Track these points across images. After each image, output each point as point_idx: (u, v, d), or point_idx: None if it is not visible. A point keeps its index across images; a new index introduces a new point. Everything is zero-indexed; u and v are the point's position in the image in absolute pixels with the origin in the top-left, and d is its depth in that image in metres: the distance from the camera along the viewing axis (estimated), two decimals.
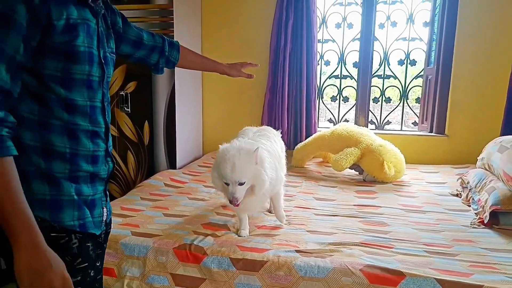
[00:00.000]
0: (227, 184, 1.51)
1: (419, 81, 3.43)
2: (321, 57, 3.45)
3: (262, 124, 3.21)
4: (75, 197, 0.92)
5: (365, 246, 1.55)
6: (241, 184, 1.50)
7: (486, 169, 2.17)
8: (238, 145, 1.58)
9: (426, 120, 3.30)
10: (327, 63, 3.51)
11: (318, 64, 3.38)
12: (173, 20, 2.87)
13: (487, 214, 1.80)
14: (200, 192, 2.29)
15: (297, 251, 1.49)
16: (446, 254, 1.50)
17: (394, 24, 3.32)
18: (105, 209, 1.02)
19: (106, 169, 1.00)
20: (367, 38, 3.27)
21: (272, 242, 1.59)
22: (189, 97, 3.22)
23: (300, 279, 1.38)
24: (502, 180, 1.90)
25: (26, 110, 0.87)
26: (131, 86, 2.91)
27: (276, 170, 1.68)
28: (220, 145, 1.61)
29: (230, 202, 1.51)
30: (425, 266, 1.39)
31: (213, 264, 1.46)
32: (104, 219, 1.02)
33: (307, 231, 1.73)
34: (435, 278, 1.30)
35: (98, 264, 1.02)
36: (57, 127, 0.89)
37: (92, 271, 0.99)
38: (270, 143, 1.82)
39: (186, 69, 1.48)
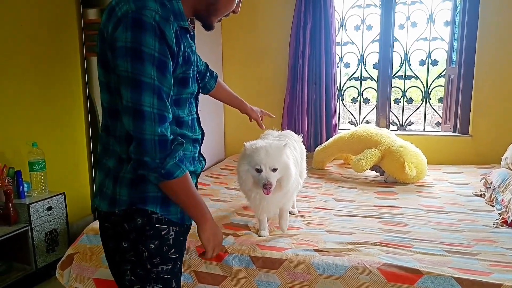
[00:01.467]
0: (259, 172, 1.53)
1: (441, 81, 3.39)
2: (341, 59, 3.47)
3: (282, 128, 3.26)
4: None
5: (383, 246, 1.57)
6: (274, 170, 1.53)
7: (510, 169, 2.14)
8: (265, 141, 1.65)
9: (449, 120, 3.25)
10: (347, 65, 3.52)
11: (338, 66, 3.40)
12: (194, 29, 2.96)
13: (510, 214, 1.78)
14: (222, 194, 2.36)
15: (315, 250, 1.52)
16: (466, 254, 1.50)
17: (414, 24, 3.30)
18: None
19: (200, 166, 1.18)
20: (386, 39, 3.27)
21: (291, 242, 1.63)
22: (211, 102, 3.29)
23: (318, 277, 1.42)
24: None
25: None
26: None
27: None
28: (244, 143, 1.65)
29: (264, 186, 1.51)
30: (443, 265, 1.39)
31: (234, 262, 1.52)
32: None
33: (326, 231, 1.76)
34: (453, 277, 1.30)
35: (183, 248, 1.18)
36: None
37: (179, 262, 1.15)
38: (289, 149, 1.84)
39: (216, 99, 1.59)
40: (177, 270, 1.14)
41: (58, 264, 1.71)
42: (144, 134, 0.93)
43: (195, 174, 1.16)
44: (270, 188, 1.50)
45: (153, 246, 1.06)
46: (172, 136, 0.98)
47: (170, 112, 0.97)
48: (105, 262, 1.48)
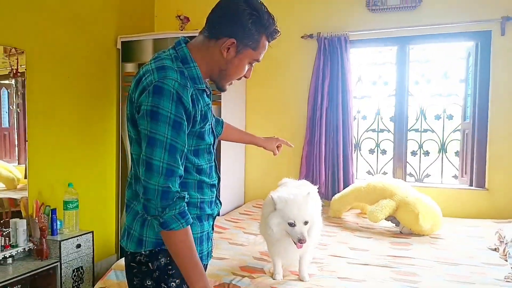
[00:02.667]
0: (292, 226, 1.62)
1: (457, 134, 3.49)
2: (358, 112, 3.64)
3: (300, 175, 3.39)
4: (199, 234, 1.21)
5: None
6: (305, 223, 1.64)
7: None
8: (291, 191, 1.74)
9: (465, 173, 3.31)
10: (364, 117, 3.69)
11: (355, 118, 3.57)
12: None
13: None
14: (240, 238, 2.47)
15: None
16: None
17: (428, 81, 3.48)
18: (213, 240, 1.31)
19: (217, 209, 1.30)
20: (401, 94, 3.44)
21: (303, 286, 1.71)
22: (233, 149, 3.50)
23: None
24: None
25: None
26: None
27: None
28: (271, 194, 1.75)
29: (299, 241, 1.59)
30: None
31: None
32: (213, 248, 1.30)
33: (338, 277, 1.83)
34: None
35: None
36: (191, 184, 1.19)
37: None
38: (311, 198, 1.89)
39: (228, 141, 1.69)
40: None
41: None
42: (149, 184, 1.06)
43: (212, 217, 1.28)
44: (305, 240, 1.60)
45: (174, 284, 1.17)
46: (178, 189, 1.08)
47: (180, 167, 1.09)
48: None
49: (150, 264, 1.17)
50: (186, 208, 1.10)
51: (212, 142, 1.27)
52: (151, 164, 1.06)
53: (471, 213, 3.07)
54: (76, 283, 2.83)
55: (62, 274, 2.73)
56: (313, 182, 3.37)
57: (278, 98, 3.66)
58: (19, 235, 2.65)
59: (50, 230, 2.79)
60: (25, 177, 2.78)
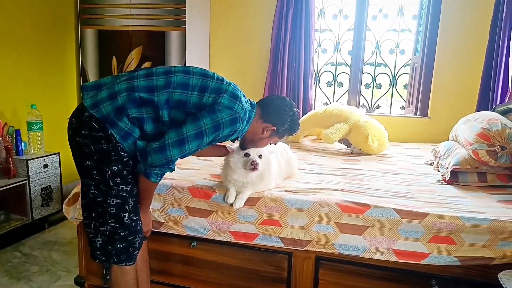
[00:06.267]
0: (247, 156, 1.77)
1: (407, 68, 3.76)
2: (319, 45, 3.79)
3: None
4: (136, 135, 1.47)
5: (342, 191, 1.90)
6: (260, 157, 1.79)
7: (454, 140, 2.52)
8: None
9: (411, 104, 3.64)
10: (324, 51, 3.84)
11: (316, 51, 3.71)
12: (185, 7, 3.22)
13: (448, 172, 2.14)
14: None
15: (286, 191, 1.84)
16: (408, 197, 1.85)
17: (385, 16, 3.65)
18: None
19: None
20: (360, 29, 3.61)
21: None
22: None
23: (288, 209, 1.73)
24: (463, 146, 2.24)
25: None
26: (146, 66, 3.26)
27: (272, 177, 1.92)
28: (228, 146, 1.89)
29: (252, 164, 1.73)
30: (388, 202, 1.74)
31: (219, 200, 1.81)
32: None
33: (297, 181, 2.08)
34: (393, 208, 1.65)
35: None
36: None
37: (136, 187, 1.53)
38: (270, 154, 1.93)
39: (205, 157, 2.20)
40: (135, 193, 1.51)
41: (64, 202, 1.95)
42: (168, 150, 1.41)
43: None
44: (257, 165, 1.75)
45: (116, 168, 1.44)
46: (174, 165, 1.49)
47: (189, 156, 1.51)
48: None
49: (91, 146, 1.40)
50: (167, 171, 1.50)
51: None
52: (184, 144, 1.42)
53: (414, 138, 3.43)
54: (45, 201, 2.92)
55: (31, 192, 2.80)
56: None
57: (242, 28, 3.70)
58: None
59: (15, 150, 2.80)
60: None
